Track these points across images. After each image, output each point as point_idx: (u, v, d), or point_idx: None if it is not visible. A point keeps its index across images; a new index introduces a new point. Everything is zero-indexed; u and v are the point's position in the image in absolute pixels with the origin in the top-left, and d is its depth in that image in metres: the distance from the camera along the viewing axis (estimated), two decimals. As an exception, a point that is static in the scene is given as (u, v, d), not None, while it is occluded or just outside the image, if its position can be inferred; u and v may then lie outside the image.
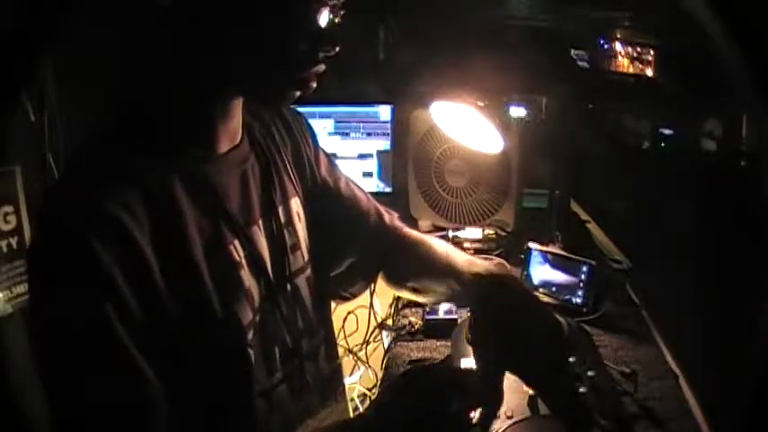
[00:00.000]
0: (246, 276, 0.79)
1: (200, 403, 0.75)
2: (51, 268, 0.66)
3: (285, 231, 0.89)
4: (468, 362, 1.09)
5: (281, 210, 0.89)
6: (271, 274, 0.84)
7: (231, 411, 0.79)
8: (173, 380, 0.70)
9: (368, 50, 2.04)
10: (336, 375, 1.00)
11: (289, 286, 0.88)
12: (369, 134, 1.99)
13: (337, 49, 0.74)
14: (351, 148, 2.00)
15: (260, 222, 0.84)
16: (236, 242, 0.79)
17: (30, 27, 0.69)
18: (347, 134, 2.00)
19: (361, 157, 2.00)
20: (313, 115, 1.98)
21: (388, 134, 1.98)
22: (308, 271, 0.93)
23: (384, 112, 1.98)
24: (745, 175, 1.26)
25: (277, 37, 0.71)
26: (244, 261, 0.79)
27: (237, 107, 0.81)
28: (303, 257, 0.92)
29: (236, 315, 0.77)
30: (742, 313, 1.07)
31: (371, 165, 2.01)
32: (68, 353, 0.66)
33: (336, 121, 1.99)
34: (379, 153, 2.00)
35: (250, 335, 0.79)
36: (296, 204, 0.93)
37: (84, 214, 0.65)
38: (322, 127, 1.99)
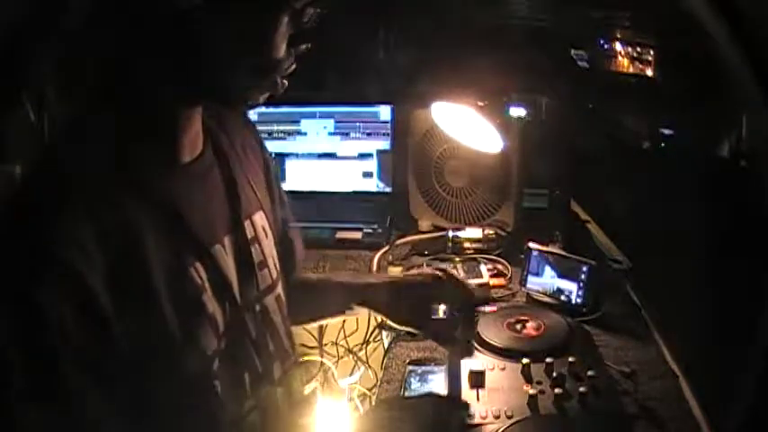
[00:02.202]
0: (210, 301, 0.74)
1: None
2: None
3: (252, 248, 0.84)
4: (469, 362, 1.09)
5: (246, 225, 0.84)
6: (237, 297, 0.79)
7: None
8: (138, 411, 0.67)
9: (368, 50, 2.04)
10: (310, 401, 0.98)
11: (258, 307, 0.84)
12: (369, 134, 1.99)
13: (308, 47, 0.72)
14: (351, 148, 2.00)
15: (224, 240, 0.79)
16: (198, 264, 0.73)
17: (29, 27, 0.68)
18: (347, 134, 2.00)
19: (361, 157, 2.00)
20: (313, 115, 1.98)
21: (388, 134, 1.98)
22: (278, 289, 0.89)
23: (384, 112, 1.98)
24: (745, 175, 1.26)
25: (251, 42, 0.68)
26: (207, 284, 0.74)
27: (198, 114, 0.76)
28: (271, 275, 0.88)
29: (200, 344, 0.72)
30: (742, 313, 1.07)
31: (371, 165, 2.00)
32: (9, 385, 0.60)
33: (336, 121, 1.99)
34: (379, 153, 2.00)
35: (215, 363, 0.75)
36: (261, 218, 0.88)
37: (31, 259, 0.60)
38: (322, 127, 1.99)
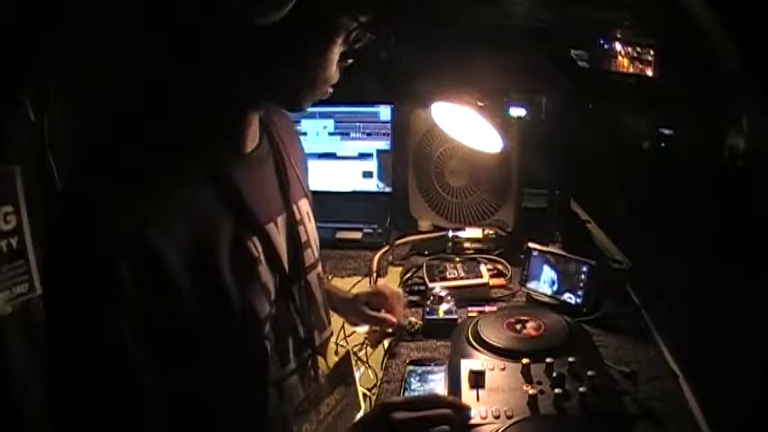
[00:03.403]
0: (264, 272, 0.83)
1: (216, 392, 0.78)
2: (72, 284, 0.68)
3: (299, 229, 0.93)
4: (469, 362, 1.09)
5: (294, 208, 0.93)
6: (287, 270, 0.88)
7: (245, 400, 0.82)
8: (191, 369, 0.74)
9: (368, 50, 2.03)
10: (346, 361, 1.03)
11: (302, 282, 0.93)
12: (369, 134, 2.00)
13: (351, 61, 0.82)
14: (351, 148, 2.00)
15: (277, 220, 0.88)
16: (255, 239, 0.82)
17: (29, 27, 0.69)
18: (347, 134, 2.00)
19: (362, 157, 2.01)
20: (313, 115, 1.99)
21: (388, 134, 1.98)
22: (318, 268, 1.00)
23: (384, 112, 1.98)
24: (744, 175, 1.26)
25: (319, 49, 0.76)
26: (262, 257, 0.83)
27: (258, 111, 0.86)
28: (314, 255, 0.98)
29: (255, 308, 0.81)
30: (742, 313, 1.07)
31: (371, 165, 2.01)
32: (76, 363, 0.69)
33: (336, 121, 1.99)
34: (379, 153, 2.00)
35: (267, 327, 0.84)
36: (305, 204, 0.98)
37: (107, 230, 0.67)
38: (322, 127, 2.00)
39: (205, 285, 0.74)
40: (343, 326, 1.47)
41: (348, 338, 1.45)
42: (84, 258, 0.67)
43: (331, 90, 0.82)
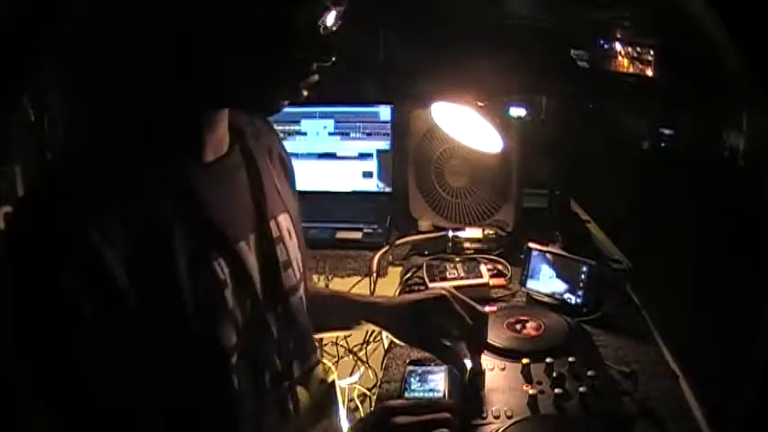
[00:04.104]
0: (230, 297, 0.75)
1: (182, 428, 0.72)
2: (17, 291, 0.63)
3: (277, 248, 0.85)
4: (469, 362, 1.09)
5: (271, 224, 0.85)
6: (260, 295, 0.80)
7: None
8: (154, 403, 0.68)
9: (368, 50, 2.04)
10: (330, 394, 0.97)
11: (280, 307, 0.85)
12: (369, 134, 1.99)
13: (334, 59, 0.73)
14: (351, 148, 2.00)
15: (249, 238, 0.81)
16: (221, 260, 0.75)
17: (29, 26, 0.69)
18: (347, 134, 2.00)
19: (361, 157, 2.01)
20: (313, 115, 1.99)
21: (388, 134, 1.98)
22: (301, 290, 0.91)
23: (384, 112, 1.98)
24: (744, 175, 1.26)
25: (275, 47, 0.69)
26: (229, 280, 0.75)
27: (224, 115, 0.79)
28: (295, 275, 0.89)
29: (219, 338, 0.73)
30: (742, 313, 1.07)
31: (371, 165, 2.01)
32: (32, 375, 0.64)
33: (336, 121, 1.99)
34: (379, 153, 2.00)
35: (234, 359, 0.76)
36: (285, 220, 0.89)
37: (56, 240, 0.62)
38: (322, 127, 1.99)
39: (160, 308, 0.67)
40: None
41: (348, 338, 1.45)
42: (29, 275, 0.62)
43: (306, 93, 0.75)
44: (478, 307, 1.06)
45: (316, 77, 0.74)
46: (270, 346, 0.82)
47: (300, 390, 0.87)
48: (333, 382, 0.96)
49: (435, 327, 1.03)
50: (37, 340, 0.62)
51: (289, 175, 0.99)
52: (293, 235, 0.90)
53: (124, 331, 0.65)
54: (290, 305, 0.87)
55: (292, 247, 0.89)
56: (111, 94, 0.77)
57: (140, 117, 0.73)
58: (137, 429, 0.68)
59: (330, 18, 0.73)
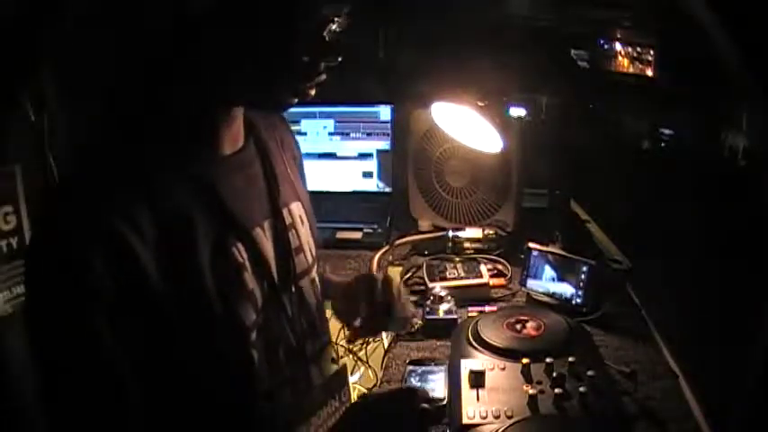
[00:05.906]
0: (250, 278, 0.80)
1: (203, 403, 0.77)
2: (48, 279, 0.68)
3: (289, 234, 0.90)
4: (469, 362, 1.09)
5: (284, 212, 0.90)
6: (275, 276, 0.85)
7: (234, 411, 0.80)
8: (176, 379, 0.73)
9: (368, 50, 2.04)
10: (341, 375, 1.00)
11: (293, 288, 0.90)
12: (369, 134, 1.99)
13: (339, 59, 0.76)
14: (351, 148, 2.00)
15: (264, 225, 0.86)
16: (240, 245, 0.80)
17: (29, 26, 0.69)
18: (347, 134, 2.00)
19: (362, 157, 2.01)
20: (313, 115, 1.99)
21: (388, 134, 1.98)
22: (313, 273, 0.96)
23: (384, 112, 1.98)
24: (744, 175, 1.26)
25: (280, 48, 0.73)
26: (247, 263, 0.80)
27: (239, 112, 0.83)
28: (307, 260, 0.94)
29: (239, 316, 0.78)
30: (742, 313, 1.07)
31: (371, 165, 2.01)
32: (54, 363, 0.69)
33: (336, 121, 1.99)
34: (379, 153, 2.00)
35: (253, 336, 0.81)
36: (297, 207, 0.95)
37: (86, 228, 0.67)
38: (322, 127, 1.99)
39: (185, 289, 0.72)
40: (343, 325, 1.47)
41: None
42: (58, 258, 0.66)
43: (313, 92, 0.79)
44: (396, 295, 1.02)
45: (323, 77, 0.78)
46: (284, 323, 0.87)
47: (313, 369, 0.92)
48: (344, 366, 0.99)
49: (351, 305, 1.03)
50: (67, 323, 0.67)
51: (299, 164, 1.04)
52: (305, 221, 0.96)
53: (150, 312, 0.69)
54: (302, 287, 0.92)
55: (304, 233, 0.95)
56: (119, 93, 0.81)
57: (157, 115, 0.77)
58: (158, 409, 0.72)
59: (336, 21, 0.76)
